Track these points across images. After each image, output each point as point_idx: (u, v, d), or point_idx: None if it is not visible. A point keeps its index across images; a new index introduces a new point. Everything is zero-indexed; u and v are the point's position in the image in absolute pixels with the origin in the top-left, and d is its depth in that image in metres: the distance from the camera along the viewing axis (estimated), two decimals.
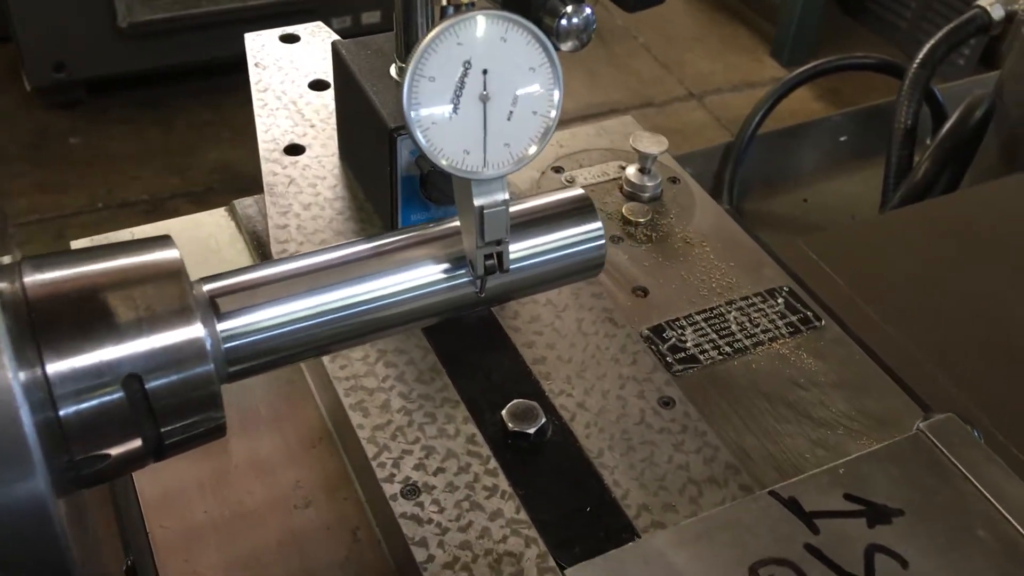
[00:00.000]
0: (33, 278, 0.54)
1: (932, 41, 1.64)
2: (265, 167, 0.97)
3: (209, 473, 0.84)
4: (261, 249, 1.02)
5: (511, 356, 0.87)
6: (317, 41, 1.12)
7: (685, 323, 0.96)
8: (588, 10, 0.59)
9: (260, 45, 1.10)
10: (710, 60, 3.87)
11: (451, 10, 0.58)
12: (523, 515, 0.76)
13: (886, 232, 1.26)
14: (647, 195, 1.07)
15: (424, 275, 0.67)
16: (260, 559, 0.79)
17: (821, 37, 3.84)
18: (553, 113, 0.60)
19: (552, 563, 0.73)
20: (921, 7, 3.69)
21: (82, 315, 0.53)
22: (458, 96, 0.58)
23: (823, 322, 0.96)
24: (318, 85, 1.07)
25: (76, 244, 1.00)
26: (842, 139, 1.90)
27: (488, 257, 0.64)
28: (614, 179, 1.10)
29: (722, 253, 1.02)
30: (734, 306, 0.97)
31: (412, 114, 0.57)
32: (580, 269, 0.74)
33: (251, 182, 3.18)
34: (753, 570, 0.60)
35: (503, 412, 0.81)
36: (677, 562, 0.60)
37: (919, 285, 1.12)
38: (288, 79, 1.07)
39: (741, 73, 3.82)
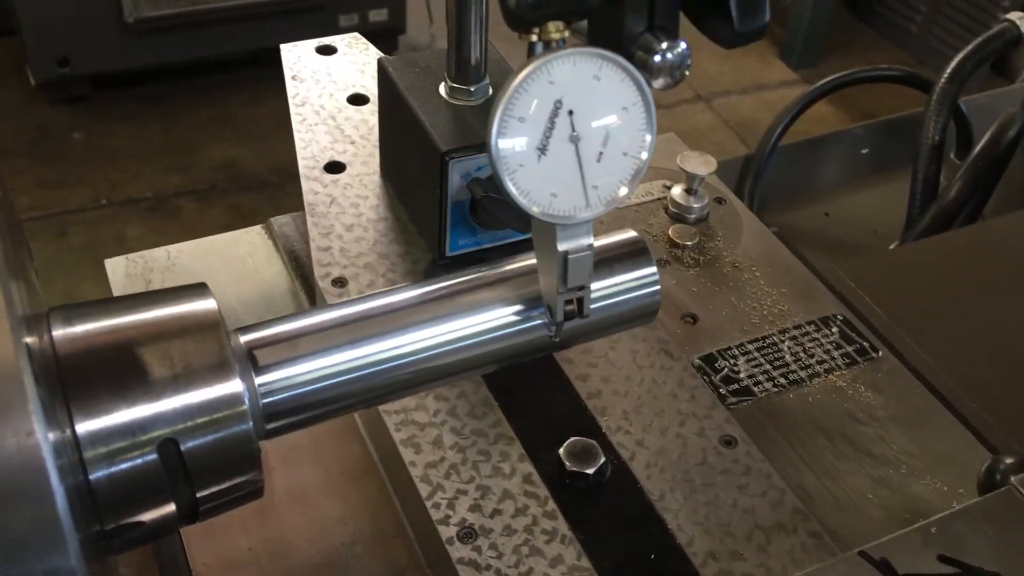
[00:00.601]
0: (62, 332, 0.51)
1: (960, 55, 1.60)
2: (305, 185, 0.94)
3: (252, 507, 0.80)
4: (300, 270, 0.99)
5: (565, 390, 0.84)
6: (354, 53, 1.09)
7: (737, 352, 0.93)
8: (683, 45, 0.56)
9: (296, 57, 1.07)
10: (718, 62, 3.84)
11: (540, 47, 0.55)
12: (584, 562, 0.73)
13: (925, 259, 1.23)
14: (693, 216, 1.04)
15: (482, 321, 0.64)
16: None
17: (830, 39, 3.82)
18: (645, 155, 0.57)
19: None
20: (931, 11, 3.67)
21: (114, 372, 0.50)
22: (547, 137, 0.55)
23: (880, 353, 0.93)
24: (357, 99, 1.04)
25: (110, 263, 0.96)
26: (864, 151, 1.87)
27: (568, 303, 0.61)
28: (658, 199, 1.07)
29: (772, 279, 1.00)
30: (787, 335, 0.94)
31: (500, 157, 0.54)
32: (634, 317, 0.70)
33: (254, 181, 3.15)
34: None
35: (560, 451, 0.78)
36: None
37: (961, 315, 1.09)
38: (326, 92, 1.04)
39: (749, 75, 3.79)
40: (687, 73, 0.57)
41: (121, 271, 0.96)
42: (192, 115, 3.47)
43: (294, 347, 0.59)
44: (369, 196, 0.95)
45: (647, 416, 0.82)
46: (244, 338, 0.58)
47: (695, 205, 1.04)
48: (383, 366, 0.61)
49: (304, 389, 0.59)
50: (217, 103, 3.51)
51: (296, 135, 0.98)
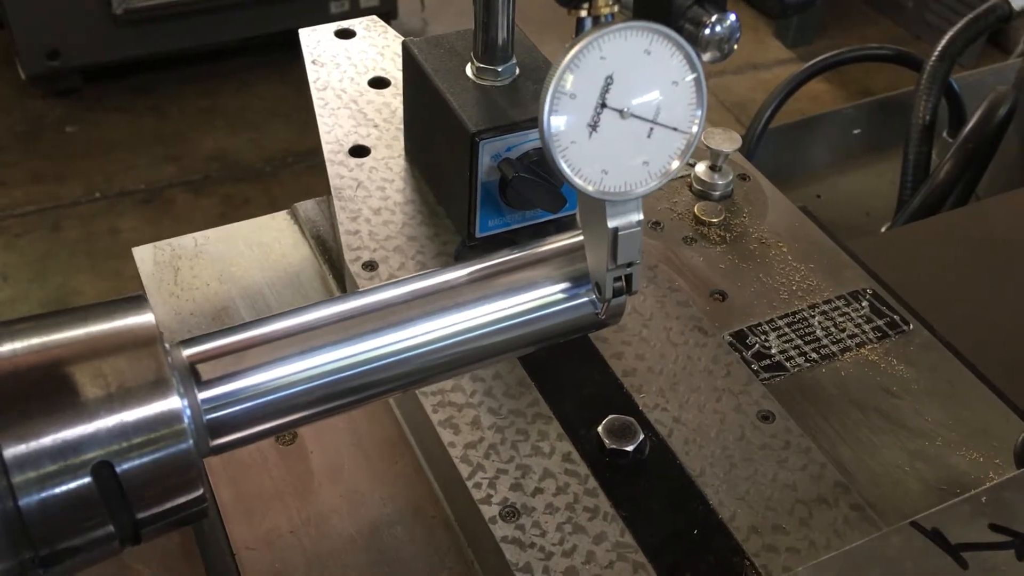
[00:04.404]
0: None
1: (950, 33, 1.59)
2: (331, 169, 0.94)
3: (293, 492, 0.81)
4: (327, 254, 0.98)
5: (600, 368, 0.84)
6: (373, 36, 1.09)
7: (768, 328, 0.93)
8: (732, 17, 0.56)
9: (316, 41, 1.07)
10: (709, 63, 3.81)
11: (588, 22, 0.55)
12: (628, 538, 0.73)
13: (918, 241, 1.23)
14: (718, 193, 1.04)
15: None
16: None
17: (826, 16, 3.81)
18: (695, 128, 0.56)
19: None
20: None
21: (44, 393, 0.49)
22: (598, 114, 0.55)
23: (911, 326, 0.93)
24: (378, 83, 1.03)
25: (137, 252, 0.96)
26: (856, 132, 1.87)
27: (616, 279, 0.61)
28: (682, 177, 1.06)
29: (800, 254, 1.00)
30: (817, 310, 0.94)
31: (551, 134, 0.54)
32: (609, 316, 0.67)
33: (248, 171, 3.14)
34: None
35: (599, 428, 0.78)
36: None
37: (969, 293, 1.09)
38: (347, 76, 1.03)
39: (744, 54, 3.78)
40: (735, 47, 0.57)
41: (149, 259, 0.96)
42: (184, 105, 3.45)
43: (241, 359, 0.56)
44: (395, 179, 0.95)
45: (683, 393, 0.82)
46: (187, 351, 0.56)
47: (719, 182, 1.03)
48: (331, 377, 0.59)
49: (253, 403, 0.56)
50: (209, 93, 3.49)
51: (319, 120, 0.98)
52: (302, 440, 0.84)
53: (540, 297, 0.64)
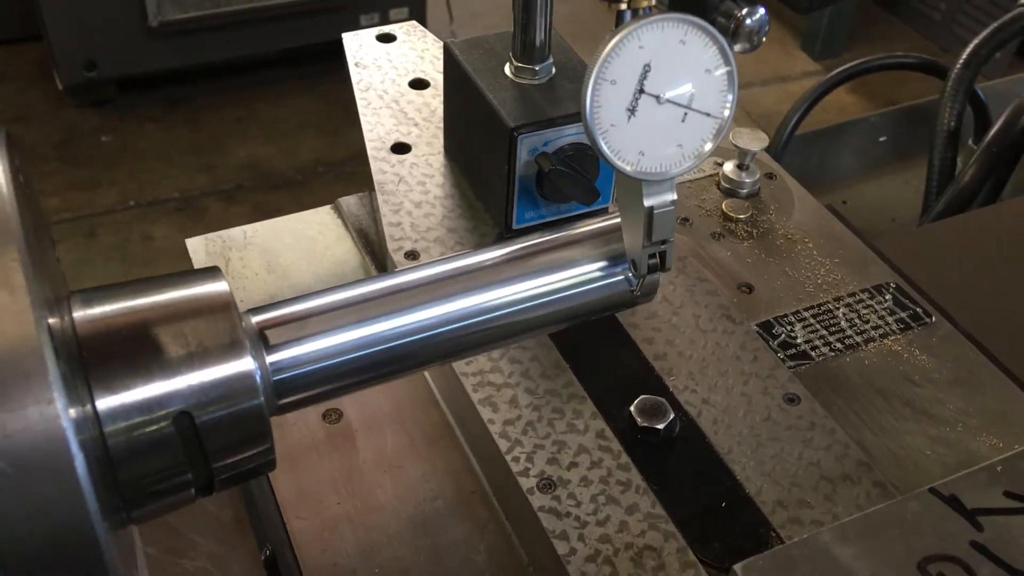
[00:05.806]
0: (82, 313, 0.53)
1: (976, 41, 1.62)
2: (374, 165, 0.98)
3: (339, 468, 0.85)
4: (369, 247, 1.03)
5: (632, 352, 0.88)
6: (413, 40, 1.13)
7: (794, 319, 0.96)
8: (762, 11, 0.60)
9: (358, 45, 1.11)
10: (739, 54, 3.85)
11: (628, 14, 0.59)
12: (659, 509, 0.76)
13: (947, 236, 1.26)
14: (745, 191, 1.08)
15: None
16: (396, 552, 0.80)
17: (854, 29, 3.84)
18: (727, 113, 0.60)
19: (692, 557, 0.74)
20: None
21: (132, 350, 0.53)
22: (636, 99, 0.59)
23: (933, 318, 0.96)
24: (418, 84, 1.08)
25: (191, 243, 1.01)
26: (882, 139, 1.89)
27: (651, 257, 0.65)
28: (710, 175, 1.10)
29: (825, 249, 1.03)
30: (842, 302, 0.98)
31: (594, 118, 0.58)
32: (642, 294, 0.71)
33: (279, 179, 3.17)
34: (922, 567, 0.60)
35: (631, 408, 0.82)
36: (845, 558, 0.61)
37: (987, 289, 1.11)
38: (388, 78, 1.08)
39: (771, 67, 3.82)
40: (764, 40, 0.61)
41: (201, 250, 1.01)
42: (217, 116, 3.51)
43: (304, 326, 0.61)
44: (435, 175, 0.99)
45: (712, 376, 0.86)
46: (256, 318, 0.60)
47: (747, 180, 1.07)
48: (383, 346, 0.63)
49: (315, 366, 0.61)
50: (242, 104, 3.56)
51: (362, 118, 1.02)
52: (347, 419, 0.88)
53: (577, 275, 0.68)
